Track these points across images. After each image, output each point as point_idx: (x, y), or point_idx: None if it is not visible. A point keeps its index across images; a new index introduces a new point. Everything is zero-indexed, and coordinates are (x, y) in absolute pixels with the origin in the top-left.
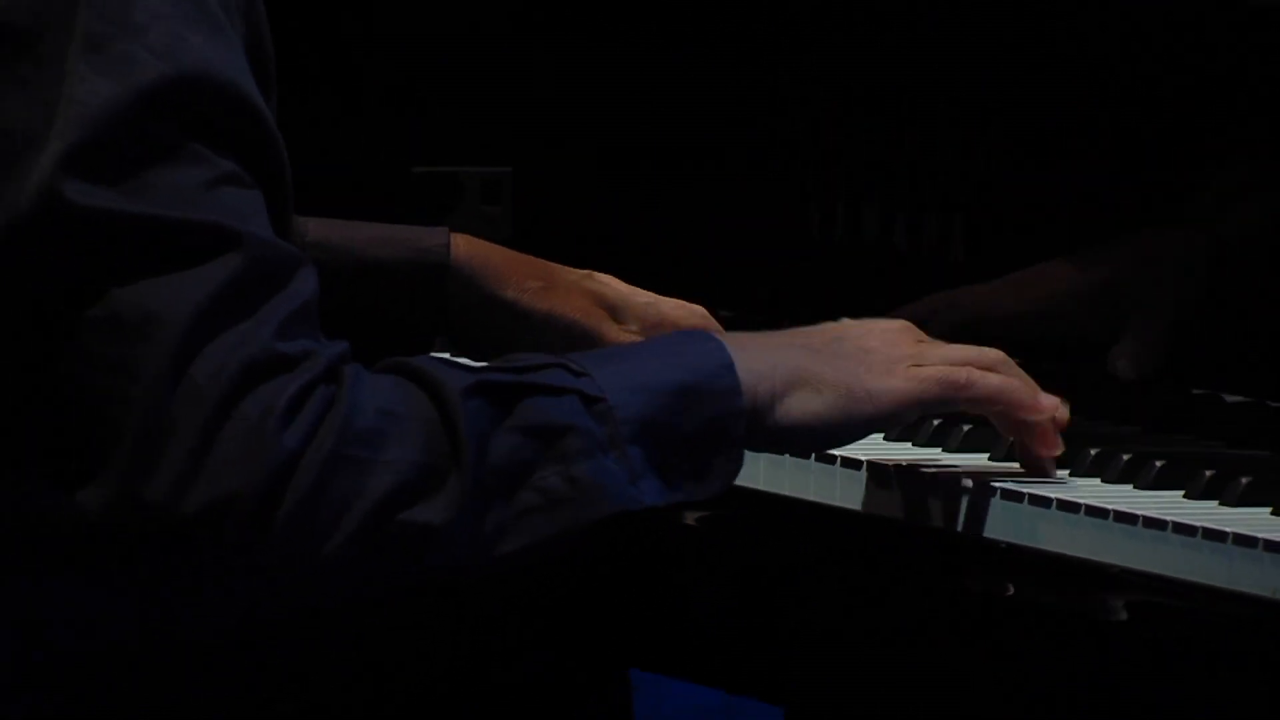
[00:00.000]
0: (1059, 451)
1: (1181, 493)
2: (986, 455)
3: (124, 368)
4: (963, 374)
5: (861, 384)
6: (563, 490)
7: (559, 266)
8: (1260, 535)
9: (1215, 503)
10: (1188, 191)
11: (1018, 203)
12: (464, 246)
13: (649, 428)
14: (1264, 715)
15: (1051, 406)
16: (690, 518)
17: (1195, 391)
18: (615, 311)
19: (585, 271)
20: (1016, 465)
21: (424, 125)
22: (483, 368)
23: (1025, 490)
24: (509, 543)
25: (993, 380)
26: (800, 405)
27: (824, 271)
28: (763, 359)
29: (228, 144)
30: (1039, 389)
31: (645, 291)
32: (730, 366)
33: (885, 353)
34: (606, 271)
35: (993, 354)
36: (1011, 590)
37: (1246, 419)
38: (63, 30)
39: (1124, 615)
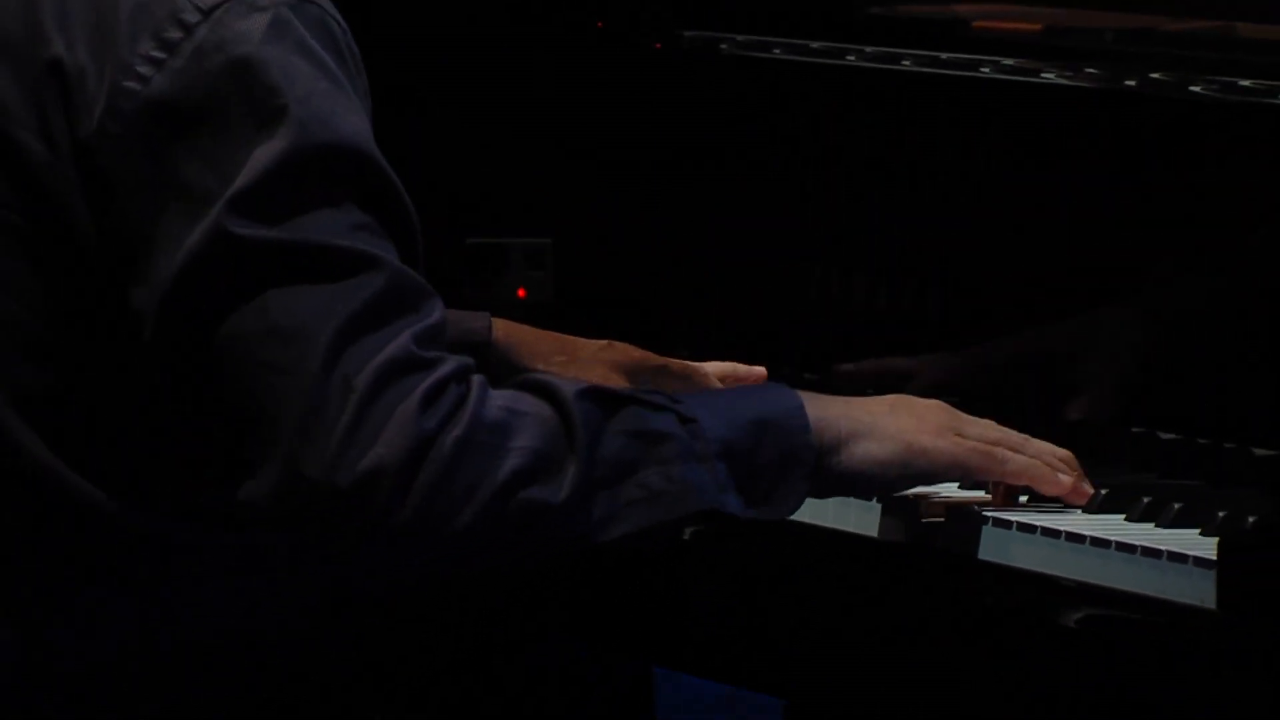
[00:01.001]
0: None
1: (1123, 516)
2: (955, 485)
3: (283, 369)
4: (999, 452)
5: (919, 441)
6: (663, 486)
7: (581, 340)
8: (1190, 553)
9: (1152, 525)
10: (1133, 273)
11: (983, 278)
12: (501, 328)
13: (731, 450)
14: (1193, 705)
15: (1065, 486)
16: (735, 542)
17: (1134, 430)
18: (631, 377)
19: (604, 342)
20: (984, 494)
21: (476, 200)
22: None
23: (993, 516)
24: (615, 528)
25: (1022, 461)
26: (864, 452)
27: (818, 333)
28: (831, 409)
29: (365, 200)
30: (1054, 468)
31: (655, 355)
32: (801, 409)
33: (936, 420)
34: (631, 326)
35: (1017, 436)
36: (986, 598)
37: (1178, 454)
38: (231, 106)
39: (1075, 620)
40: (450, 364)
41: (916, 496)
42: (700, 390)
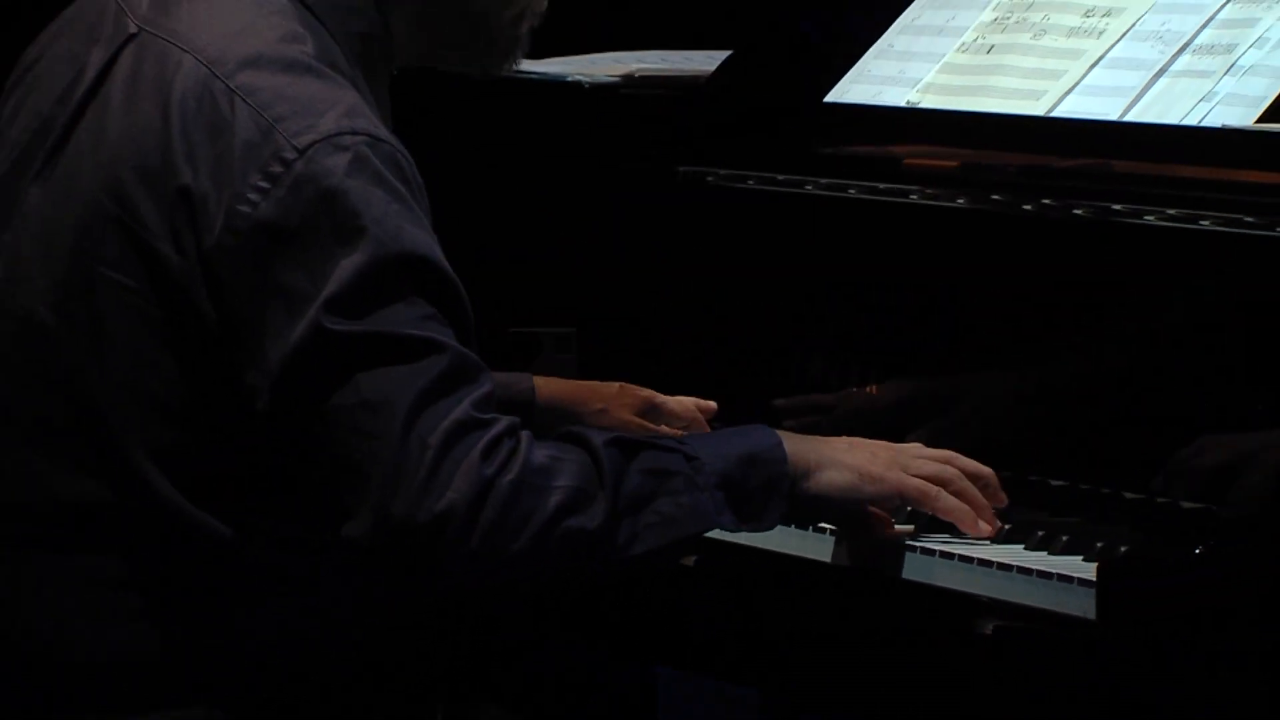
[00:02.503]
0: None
1: (1022, 546)
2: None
3: (372, 434)
4: (933, 489)
5: (870, 472)
6: (674, 513)
7: (601, 386)
8: (1075, 575)
9: (1045, 553)
10: (1024, 355)
11: (911, 354)
12: (542, 387)
13: (726, 480)
14: (1078, 695)
15: (982, 532)
16: (714, 561)
17: (1030, 477)
18: (645, 414)
19: (618, 385)
20: (910, 527)
21: (517, 297)
22: (616, 434)
23: (921, 545)
24: (637, 547)
25: (951, 502)
26: (827, 479)
27: (784, 393)
28: (802, 446)
29: (430, 296)
30: (971, 516)
31: (659, 393)
32: (780, 446)
33: (885, 456)
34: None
35: (953, 472)
36: (915, 611)
37: (1065, 497)
38: (322, 226)
39: (986, 628)
40: (503, 423)
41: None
42: (685, 419)
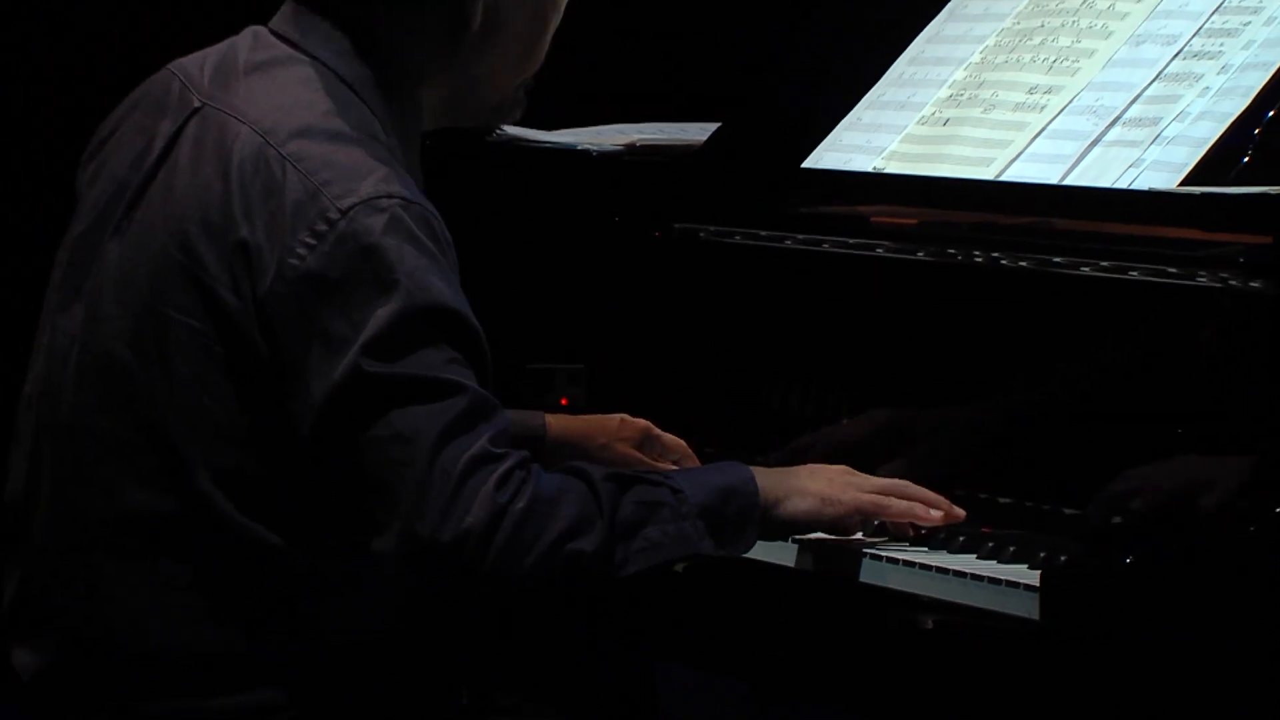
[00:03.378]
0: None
1: (974, 555)
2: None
3: (402, 463)
4: (884, 500)
5: (829, 495)
6: (662, 539)
7: (604, 421)
8: (1021, 581)
9: (994, 561)
10: (975, 390)
11: (879, 390)
12: (553, 424)
13: (706, 510)
14: (1023, 684)
15: (934, 519)
16: (700, 568)
17: (980, 495)
18: (641, 446)
19: (619, 420)
20: (874, 539)
21: (533, 337)
22: (615, 470)
23: (876, 552)
24: (629, 567)
25: (902, 505)
26: (793, 506)
27: (761, 425)
28: (770, 478)
29: (453, 342)
30: (921, 507)
31: (653, 426)
32: (753, 479)
33: (841, 480)
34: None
35: (900, 484)
36: (870, 611)
37: (1012, 512)
38: (362, 278)
39: (943, 626)
40: (515, 457)
41: (833, 539)
42: (676, 451)
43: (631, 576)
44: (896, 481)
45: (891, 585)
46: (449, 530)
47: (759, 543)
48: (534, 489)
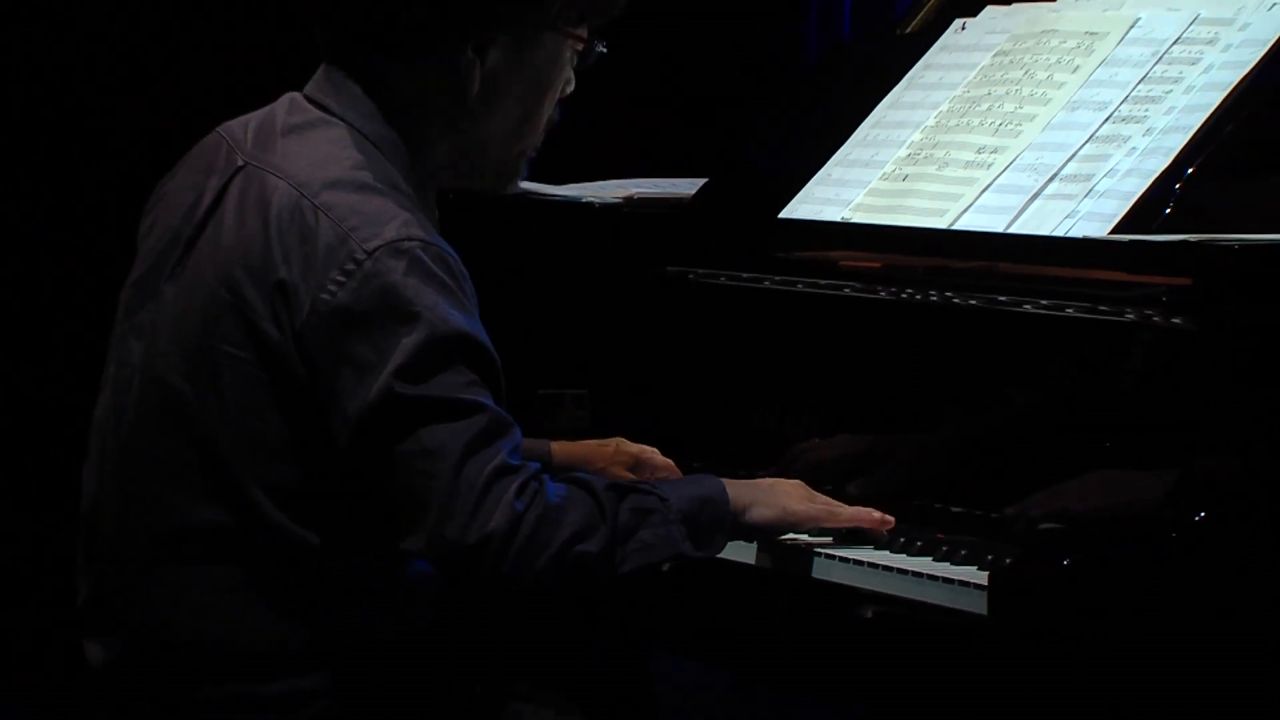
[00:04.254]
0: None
1: (930, 558)
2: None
3: (431, 475)
4: (835, 510)
5: (788, 506)
6: (653, 541)
7: (599, 447)
8: (971, 581)
9: (948, 563)
10: (929, 415)
11: (855, 415)
12: (558, 450)
13: (687, 516)
14: (973, 672)
15: (875, 523)
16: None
17: (935, 505)
18: (634, 469)
19: (615, 443)
20: (829, 540)
21: (544, 365)
22: (611, 480)
23: (847, 556)
24: (625, 566)
25: (848, 514)
26: (757, 514)
27: (756, 446)
28: (738, 489)
29: (472, 366)
30: (864, 514)
31: (646, 447)
32: (724, 490)
33: (797, 492)
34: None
35: (839, 506)
36: (842, 607)
37: (964, 521)
38: (385, 311)
39: (903, 620)
40: (530, 469)
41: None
42: (664, 470)
43: (627, 575)
44: (833, 503)
45: (861, 585)
46: (474, 534)
47: (749, 548)
48: (546, 497)
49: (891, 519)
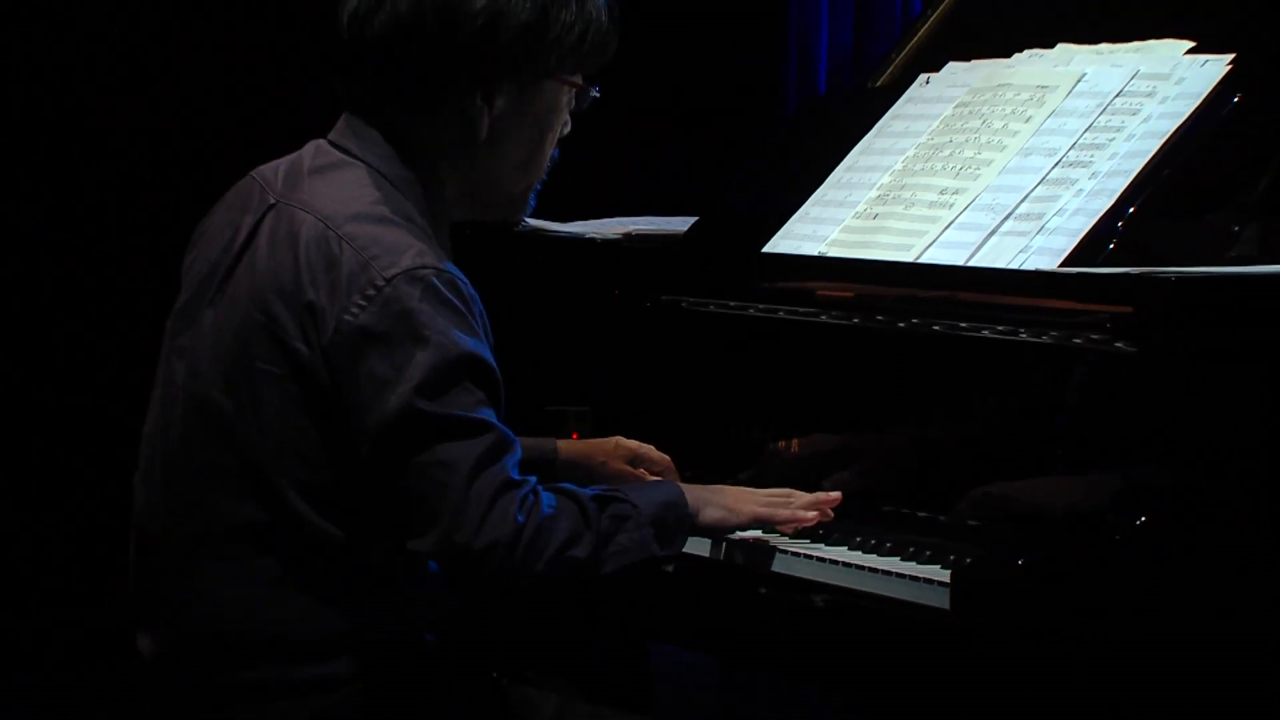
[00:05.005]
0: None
1: (899, 558)
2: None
3: (444, 485)
4: (773, 512)
5: (733, 507)
6: (629, 544)
7: (601, 444)
8: (936, 579)
9: (915, 563)
10: (894, 430)
11: (826, 430)
12: (563, 448)
13: (654, 520)
14: (936, 662)
15: (811, 518)
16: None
17: (903, 511)
18: (632, 462)
19: (615, 440)
20: (785, 538)
21: (550, 385)
22: (592, 490)
23: (823, 556)
24: (608, 567)
25: (786, 514)
26: (710, 515)
27: (726, 454)
28: (693, 493)
29: (480, 385)
30: (803, 513)
31: (642, 445)
32: (683, 495)
33: (746, 496)
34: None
35: (781, 499)
36: (819, 601)
37: (929, 525)
38: (401, 333)
39: (875, 614)
40: (530, 484)
41: (755, 539)
42: (660, 464)
43: (608, 575)
44: (782, 490)
45: (835, 582)
46: (481, 541)
47: (738, 549)
48: (542, 509)
49: (830, 514)
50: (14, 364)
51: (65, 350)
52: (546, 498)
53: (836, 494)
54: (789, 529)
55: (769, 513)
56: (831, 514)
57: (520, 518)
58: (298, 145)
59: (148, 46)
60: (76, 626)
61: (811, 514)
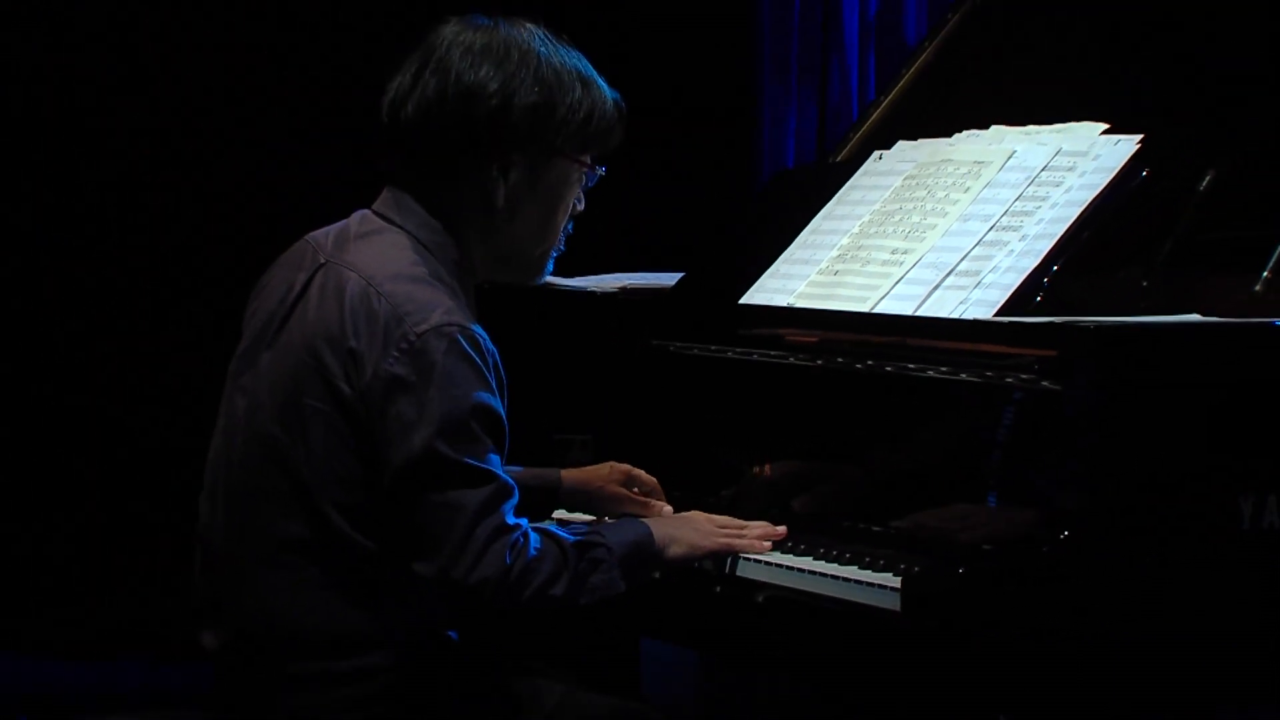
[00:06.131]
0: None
1: (856, 567)
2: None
3: (449, 522)
4: (732, 542)
5: (696, 544)
6: (598, 584)
7: (599, 470)
8: (888, 585)
9: (870, 571)
10: (847, 454)
11: (788, 455)
12: (565, 476)
13: (623, 560)
14: (886, 658)
15: (765, 548)
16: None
17: (860, 526)
18: (626, 484)
19: (609, 466)
20: (777, 553)
21: (557, 416)
22: (573, 532)
23: (792, 566)
24: (582, 600)
25: (743, 543)
26: (674, 550)
27: (720, 478)
28: (660, 528)
29: (489, 434)
30: (757, 542)
31: (633, 468)
32: (650, 533)
33: (706, 529)
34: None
35: (739, 523)
36: (785, 605)
37: (882, 537)
38: (428, 382)
39: (833, 615)
40: (521, 529)
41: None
42: (649, 485)
43: (583, 604)
44: (736, 520)
45: (801, 587)
46: (474, 577)
47: (716, 565)
48: (528, 552)
49: (781, 529)
50: (14, 364)
51: (65, 350)
52: (534, 540)
53: (782, 528)
54: (752, 549)
55: (728, 544)
56: (782, 532)
57: (508, 559)
58: (298, 145)
59: (147, 47)
60: (76, 626)
61: (766, 544)
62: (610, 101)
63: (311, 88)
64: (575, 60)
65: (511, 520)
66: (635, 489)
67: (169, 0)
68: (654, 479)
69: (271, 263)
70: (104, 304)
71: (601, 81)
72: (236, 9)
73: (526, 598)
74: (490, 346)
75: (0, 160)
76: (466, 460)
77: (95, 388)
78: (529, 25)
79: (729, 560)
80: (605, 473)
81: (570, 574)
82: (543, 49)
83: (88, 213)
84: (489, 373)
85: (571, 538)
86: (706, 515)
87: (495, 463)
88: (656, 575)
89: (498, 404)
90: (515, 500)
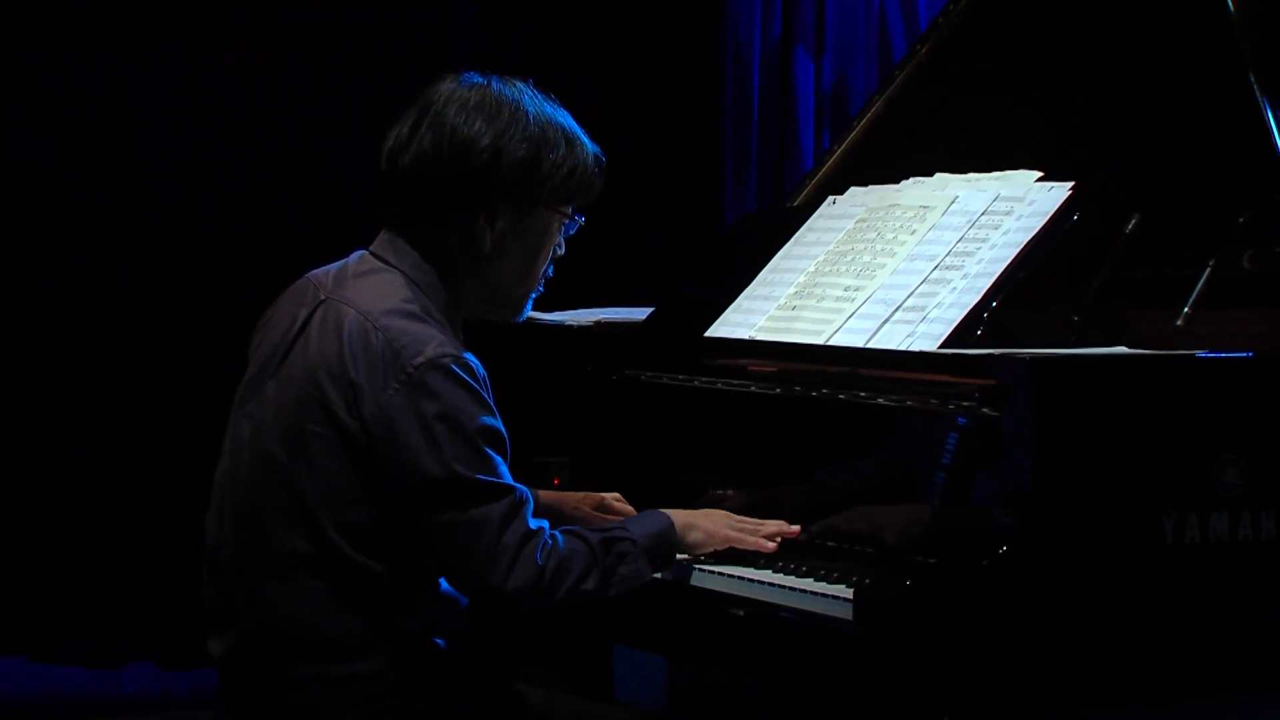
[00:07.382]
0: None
1: (813, 579)
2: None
3: (477, 536)
4: (741, 536)
5: (712, 531)
6: (628, 574)
7: (573, 494)
8: (841, 596)
9: (826, 583)
10: (796, 475)
11: (752, 478)
12: (543, 497)
13: (648, 550)
14: (838, 662)
15: (772, 548)
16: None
17: (816, 541)
18: (599, 507)
19: (583, 494)
20: (720, 565)
21: (538, 440)
22: (598, 529)
23: (754, 578)
24: (612, 592)
25: (751, 540)
26: (693, 538)
27: (686, 498)
28: (680, 518)
29: (496, 449)
30: (763, 541)
31: (603, 495)
32: (672, 523)
33: (720, 520)
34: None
35: (751, 528)
36: (747, 613)
37: (836, 551)
38: (432, 410)
39: (789, 623)
40: (545, 531)
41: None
42: (620, 511)
43: (613, 599)
44: (752, 520)
45: (760, 598)
46: (512, 584)
47: (698, 574)
48: (557, 552)
49: (796, 529)
50: (14, 364)
51: (66, 350)
52: (561, 540)
53: (796, 527)
54: (756, 545)
55: (739, 537)
56: (797, 531)
57: (540, 561)
58: (298, 146)
59: (148, 46)
60: (77, 626)
61: (772, 544)
62: (592, 156)
63: (312, 88)
64: (561, 117)
65: (534, 524)
66: (605, 513)
67: (169, 1)
68: (629, 507)
69: (275, 299)
70: (105, 304)
71: (585, 137)
72: (236, 8)
73: (562, 596)
74: (482, 371)
75: (0, 160)
76: (479, 477)
77: (96, 388)
78: (519, 83)
79: (691, 572)
80: (579, 497)
81: (600, 569)
82: (531, 106)
83: (88, 213)
84: (486, 394)
85: (596, 535)
86: (725, 512)
87: (506, 475)
88: (680, 558)
89: (498, 421)
90: (532, 506)
